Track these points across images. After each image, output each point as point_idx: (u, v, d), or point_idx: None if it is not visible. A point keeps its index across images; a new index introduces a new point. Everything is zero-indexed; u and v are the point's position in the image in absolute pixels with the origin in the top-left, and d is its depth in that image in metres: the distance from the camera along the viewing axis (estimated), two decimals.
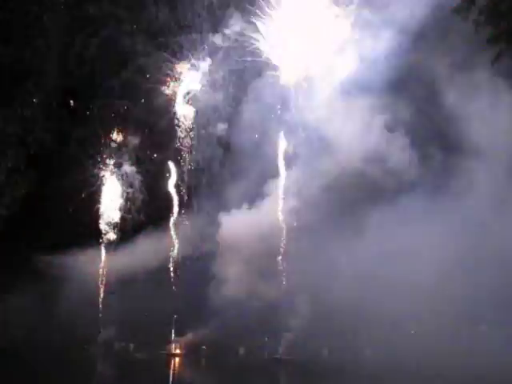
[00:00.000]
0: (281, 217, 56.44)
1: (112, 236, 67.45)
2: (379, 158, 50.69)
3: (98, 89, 61.51)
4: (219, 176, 61.34)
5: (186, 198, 64.15)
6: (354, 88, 50.15)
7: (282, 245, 55.88)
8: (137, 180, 66.85)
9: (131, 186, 67.09)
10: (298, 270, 53.53)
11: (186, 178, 63.93)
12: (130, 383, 42.11)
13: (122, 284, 62.86)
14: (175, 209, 64.32)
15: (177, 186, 64.52)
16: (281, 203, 56.43)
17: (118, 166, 67.32)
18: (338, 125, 50.90)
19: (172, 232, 63.99)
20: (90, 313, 63.62)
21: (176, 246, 63.68)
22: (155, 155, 66.01)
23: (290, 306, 53.06)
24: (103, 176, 67.12)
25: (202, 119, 61.89)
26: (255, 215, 56.50)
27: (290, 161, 56.20)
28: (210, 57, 59.51)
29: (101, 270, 66.57)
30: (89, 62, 59.61)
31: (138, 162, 66.57)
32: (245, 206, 57.40)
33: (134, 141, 65.89)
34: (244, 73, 58.19)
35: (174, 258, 63.49)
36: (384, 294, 47.16)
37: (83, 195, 65.58)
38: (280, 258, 55.62)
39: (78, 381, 41.26)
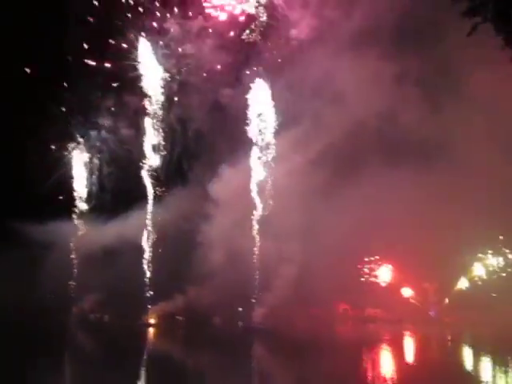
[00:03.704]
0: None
1: (101, 206, 65.02)
2: (389, 111, 47.99)
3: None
4: (218, 142, 58.26)
5: (186, 167, 61.27)
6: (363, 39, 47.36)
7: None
8: (134, 146, 64.07)
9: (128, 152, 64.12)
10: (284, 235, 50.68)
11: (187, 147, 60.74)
12: (104, 353, 39.41)
13: (103, 255, 60.54)
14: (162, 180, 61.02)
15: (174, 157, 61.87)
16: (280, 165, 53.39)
17: (113, 131, 64.38)
18: (346, 77, 48.30)
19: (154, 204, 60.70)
20: (67, 283, 62.07)
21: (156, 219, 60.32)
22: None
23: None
24: (94, 142, 65.08)
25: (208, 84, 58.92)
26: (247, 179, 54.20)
27: (296, 117, 53.00)
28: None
29: (81, 241, 64.04)
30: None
31: (135, 127, 63.72)
32: (239, 168, 54.81)
33: (132, 105, 61.52)
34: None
35: (157, 231, 59.97)
36: None
37: (67, 162, 64.18)
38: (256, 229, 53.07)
39: (52, 350, 38.98)
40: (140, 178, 61.46)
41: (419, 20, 46.74)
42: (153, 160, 61.12)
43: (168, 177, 61.23)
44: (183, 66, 59.22)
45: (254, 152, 54.92)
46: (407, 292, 55.37)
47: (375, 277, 55.90)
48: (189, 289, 54.77)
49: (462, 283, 53.98)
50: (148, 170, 61.32)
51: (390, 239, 48.70)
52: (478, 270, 53.65)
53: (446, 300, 53.93)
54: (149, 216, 60.64)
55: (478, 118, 45.54)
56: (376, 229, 48.15)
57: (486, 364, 34.56)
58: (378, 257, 55.71)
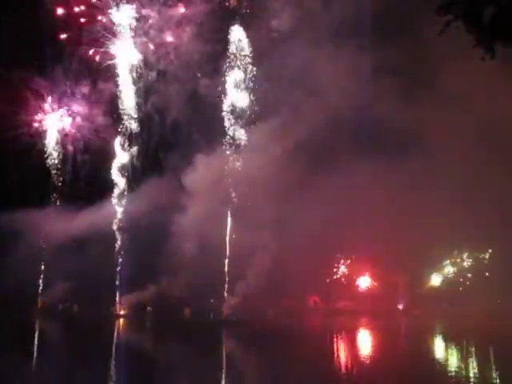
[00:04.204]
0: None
1: (74, 195, 63.90)
2: (365, 104, 48.47)
3: None
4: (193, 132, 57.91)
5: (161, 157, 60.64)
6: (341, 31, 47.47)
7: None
8: (110, 136, 63.18)
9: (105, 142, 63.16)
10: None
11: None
12: (72, 344, 38.54)
13: (74, 245, 59.36)
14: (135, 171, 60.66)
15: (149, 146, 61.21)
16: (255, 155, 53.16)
17: (89, 119, 63.37)
18: (323, 69, 48.39)
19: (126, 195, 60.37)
20: (36, 273, 61.07)
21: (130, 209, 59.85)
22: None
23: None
24: (68, 130, 63.85)
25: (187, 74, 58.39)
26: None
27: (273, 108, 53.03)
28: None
29: (52, 230, 62.02)
30: None
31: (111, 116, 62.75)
32: (214, 158, 54.62)
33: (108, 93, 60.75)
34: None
35: (130, 221, 59.66)
36: None
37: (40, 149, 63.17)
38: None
39: (20, 341, 38.33)
40: (114, 167, 61.48)
41: (397, 13, 47.04)
42: (127, 149, 60.87)
43: (142, 166, 60.86)
44: (161, 55, 58.98)
45: (230, 142, 55.00)
46: (364, 281, 56.73)
47: (345, 271, 56.90)
48: (161, 280, 54.61)
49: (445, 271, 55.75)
50: (122, 160, 60.99)
51: (360, 235, 49.18)
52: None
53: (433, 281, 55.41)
54: (122, 206, 60.30)
55: (452, 113, 46.08)
56: (347, 224, 48.61)
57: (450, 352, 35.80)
58: (349, 251, 56.57)
